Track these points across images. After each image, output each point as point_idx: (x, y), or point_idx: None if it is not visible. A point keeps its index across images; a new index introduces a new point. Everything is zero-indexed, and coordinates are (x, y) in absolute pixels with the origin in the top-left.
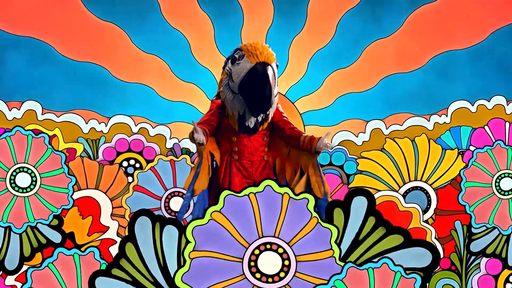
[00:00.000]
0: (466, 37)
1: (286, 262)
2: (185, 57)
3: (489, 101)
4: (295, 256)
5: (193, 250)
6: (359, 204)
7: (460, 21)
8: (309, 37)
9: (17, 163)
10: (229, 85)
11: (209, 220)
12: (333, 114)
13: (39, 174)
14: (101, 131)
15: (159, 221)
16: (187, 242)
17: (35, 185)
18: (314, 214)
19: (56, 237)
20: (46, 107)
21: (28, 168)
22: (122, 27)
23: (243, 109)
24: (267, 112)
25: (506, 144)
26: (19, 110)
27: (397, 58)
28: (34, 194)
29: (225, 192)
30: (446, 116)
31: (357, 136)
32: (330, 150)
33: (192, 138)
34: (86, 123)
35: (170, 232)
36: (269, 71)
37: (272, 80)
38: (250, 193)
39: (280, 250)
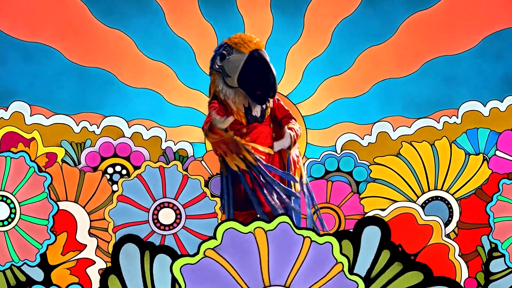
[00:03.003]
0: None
1: None
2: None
3: (502, 102)
4: None
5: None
6: (371, 235)
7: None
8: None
9: (3, 190)
10: (226, 82)
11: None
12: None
13: (20, 215)
14: (93, 131)
15: (149, 249)
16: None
17: (9, 223)
18: (341, 259)
19: (38, 275)
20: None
21: (12, 202)
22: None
23: (247, 101)
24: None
25: None
26: (6, 111)
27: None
28: (3, 231)
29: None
30: (457, 117)
31: (363, 139)
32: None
33: (210, 130)
34: (77, 125)
35: (162, 263)
36: (266, 56)
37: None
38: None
39: None
